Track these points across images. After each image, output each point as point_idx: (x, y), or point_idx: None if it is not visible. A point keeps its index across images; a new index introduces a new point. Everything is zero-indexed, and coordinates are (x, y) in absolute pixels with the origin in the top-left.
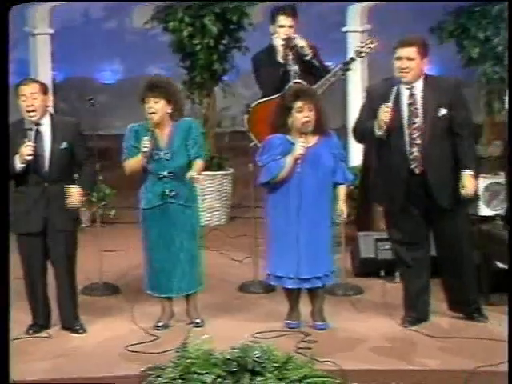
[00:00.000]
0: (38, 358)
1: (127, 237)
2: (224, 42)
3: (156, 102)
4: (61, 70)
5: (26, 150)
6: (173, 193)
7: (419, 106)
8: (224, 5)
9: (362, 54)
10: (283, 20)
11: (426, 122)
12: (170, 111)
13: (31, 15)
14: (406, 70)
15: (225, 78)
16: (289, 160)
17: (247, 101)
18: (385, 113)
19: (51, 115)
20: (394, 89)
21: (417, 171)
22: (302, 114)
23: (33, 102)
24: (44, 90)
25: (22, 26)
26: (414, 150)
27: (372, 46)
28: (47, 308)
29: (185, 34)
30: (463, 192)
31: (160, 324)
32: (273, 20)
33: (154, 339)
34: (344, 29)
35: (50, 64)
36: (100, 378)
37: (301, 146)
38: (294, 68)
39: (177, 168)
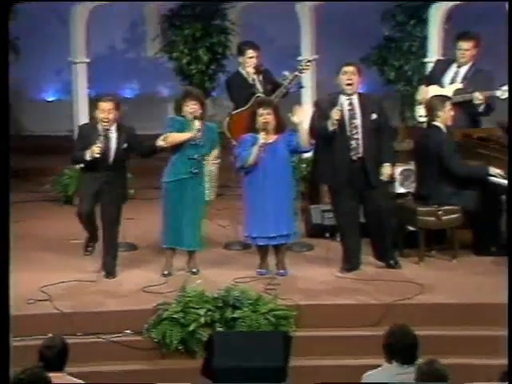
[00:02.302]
0: (82, 295)
1: (143, 209)
2: (212, 67)
3: (194, 104)
4: (94, 88)
5: (97, 149)
6: (196, 171)
7: (357, 111)
8: (213, 40)
9: (303, 71)
10: (252, 53)
11: (363, 122)
12: (201, 111)
13: (73, 49)
14: (350, 82)
15: (213, 93)
16: (254, 149)
17: (229, 110)
18: (336, 113)
19: (118, 123)
20: (340, 98)
21: (355, 158)
22: (263, 117)
23: (108, 116)
24: (117, 106)
25: (66, 57)
26: (353, 142)
27: (309, 63)
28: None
29: (184, 61)
30: (383, 177)
31: (166, 272)
32: (242, 53)
33: (163, 283)
34: (299, 58)
35: (86, 84)
36: (125, 311)
37: (263, 137)
38: (259, 86)
39: (205, 154)
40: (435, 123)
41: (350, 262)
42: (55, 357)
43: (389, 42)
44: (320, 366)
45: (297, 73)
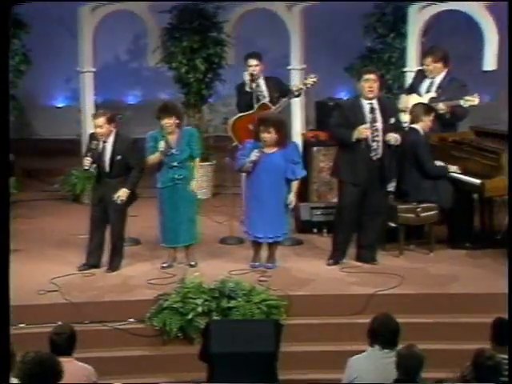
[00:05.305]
0: (89, 286)
1: (146, 206)
2: (209, 76)
3: (169, 119)
4: (100, 95)
5: (86, 162)
6: (180, 177)
7: (378, 114)
8: (209, 51)
9: (308, 85)
10: (251, 62)
11: (383, 125)
12: (177, 122)
13: (81, 59)
14: (372, 89)
15: (210, 100)
16: (247, 160)
17: (225, 115)
18: (365, 131)
19: (117, 134)
20: (364, 103)
21: (374, 159)
22: (263, 135)
23: (99, 130)
24: (109, 120)
25: (75, 67)
26: (374, 144)
27: (315, 79)
28: (101, 253)
29: (183, 70)
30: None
31: (165, 265)
32: (245, 62)
33: (170, 276)
34: (289, 67)
35: (93, 91)
36: (128, 301)
37: (255, 154)
38: (266, 93)
39: (183, 160)
40: (414, 126)
41: (337, 256)
42: (64, 343)
43: (371, 53)
44: (308, 351)
45: (301, 86)
